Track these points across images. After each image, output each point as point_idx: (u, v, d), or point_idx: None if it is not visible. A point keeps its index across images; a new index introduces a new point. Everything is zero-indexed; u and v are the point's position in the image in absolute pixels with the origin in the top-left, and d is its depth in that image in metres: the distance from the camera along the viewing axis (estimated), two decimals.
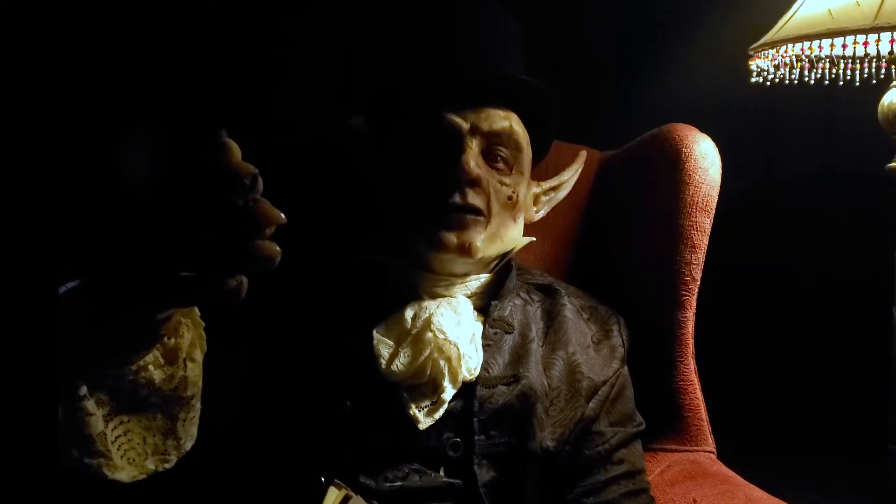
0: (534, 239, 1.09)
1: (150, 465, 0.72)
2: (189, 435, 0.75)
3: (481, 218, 0.99)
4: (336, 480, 0.89)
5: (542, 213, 1.14)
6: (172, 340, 0.71)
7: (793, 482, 1.36)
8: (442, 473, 0.97)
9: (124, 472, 0.70)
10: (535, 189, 1.12)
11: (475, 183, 0.98)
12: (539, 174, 1.15)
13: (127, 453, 0.70)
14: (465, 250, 0.98)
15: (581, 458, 1.04)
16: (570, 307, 1.11)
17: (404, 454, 0.96)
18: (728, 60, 1.82)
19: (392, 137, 1.04)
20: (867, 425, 1.86)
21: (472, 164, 0.98)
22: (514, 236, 1.05)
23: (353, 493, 0.89)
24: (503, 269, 1.08)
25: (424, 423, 0.96)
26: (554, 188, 1.16)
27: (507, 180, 1.02)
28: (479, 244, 0.99)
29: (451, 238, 0.97)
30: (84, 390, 0.67)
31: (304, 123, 1.35)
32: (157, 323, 0.68)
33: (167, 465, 0.73)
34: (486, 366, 1.01)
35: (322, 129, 1.26)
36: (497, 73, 1.03)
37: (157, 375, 0.71)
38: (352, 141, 1.11)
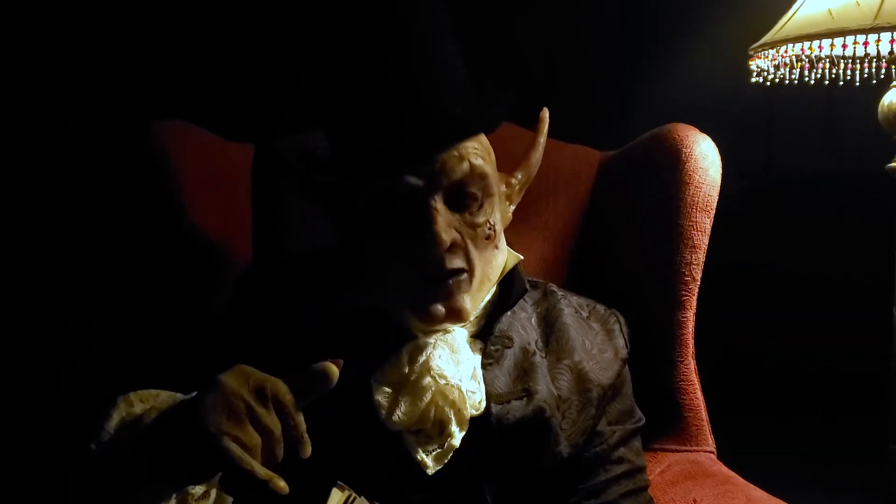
0: (521, 258, 1.05)
1: None
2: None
3: (464, 276, 0.94)
4: (339, 482, 0.89)
5: (515, 203, 1.07)
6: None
7: (793, 482, 1.36)
8: (450, 492, 0.96)
9: None
10: (506, 189, 1.05)
11: (452, 247, 0.93)
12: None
13: None
14: (456, 315, 0.94)
15: (581, 458, 1.03)
16: (568, 310, 1.08)
17: (411, 474, 0.95)
18: (728, 60, 1.82)
19: (352, 191, 0.96)
20: (867, 425, 1.86)
21: (444, 234, 0.91)
22: (499, 264, 1.00)
23: (356, 495, 0.89)
24: (509, 288, 1.04)
25: (433, 467, 0.95)
26: (525, 178, 1.07)
27: (479, 219, 0.96)
28: (467, 306, 0.94)
29: (439, 309, 0.93)
30: None
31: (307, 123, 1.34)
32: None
33: None
34: (490, 383, 0.99)
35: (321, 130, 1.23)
36: (443, 121, 0.93)
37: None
38: (311, 174, 1.02)
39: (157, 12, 1.76)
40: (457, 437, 0.95)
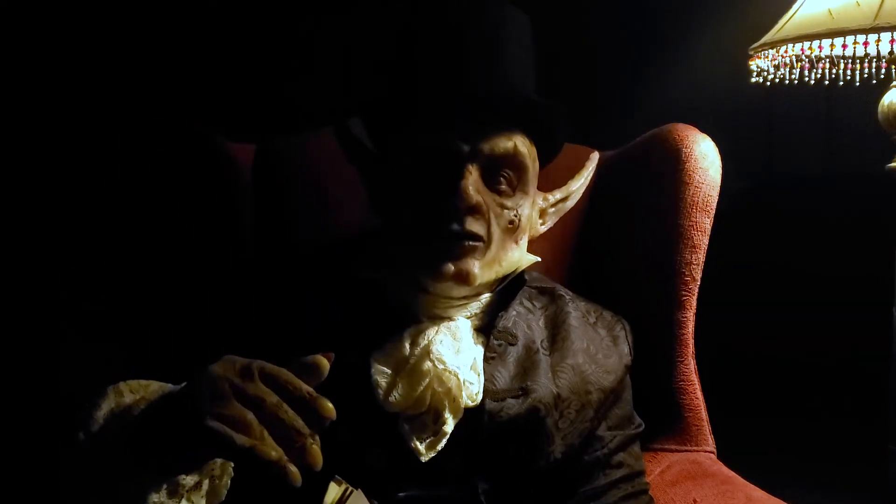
0: (538, 259, 1.07)
1: None
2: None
3: (480, 244, 0.96)
4: (336, 476, 0.89)
5: (548, 226, 1.11)
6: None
7: (793, 482, 1.36)
8: (444, 487, 0.96)
9: None
10: (542, 203, 1.09)
11: (474, 210, 0.95)
12: (543, 175, 1.13)
13: None
14: (463, 278, 0.95)
15: (581, 462, 1.04)
16: (575, 314, 1.09)
17: (405, 469, 0.96)
18: (728, 60, 1.82)
19: (391, 150, 1.01)
20: (867, 425, 1.86)
21: (472, 190, 0.94)
22: (515, 259, 1.01)
23: (353, 488, 0.89)
24: (512, 283, 1.05)
25: (426, 455, 0.95)
26: (563, 199, 1.12)
27: (508, 203, 0.99)
28: (476, 271, 0.96)
29: (449, 267, 0.94)
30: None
31: (307, 123, 1.34)
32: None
33: None
34: (490, 378, 0.99)
35: (321, 130, 1.24)
36: (503, 93, 0.99)
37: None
38: (350, 146, 1.08)
39: (157, 12, 1.76)
40: (449, 423, 0.96)
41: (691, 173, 1.23)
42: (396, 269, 0.99)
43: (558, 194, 1.11)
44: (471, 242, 0.95)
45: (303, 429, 0.71)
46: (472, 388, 0.97)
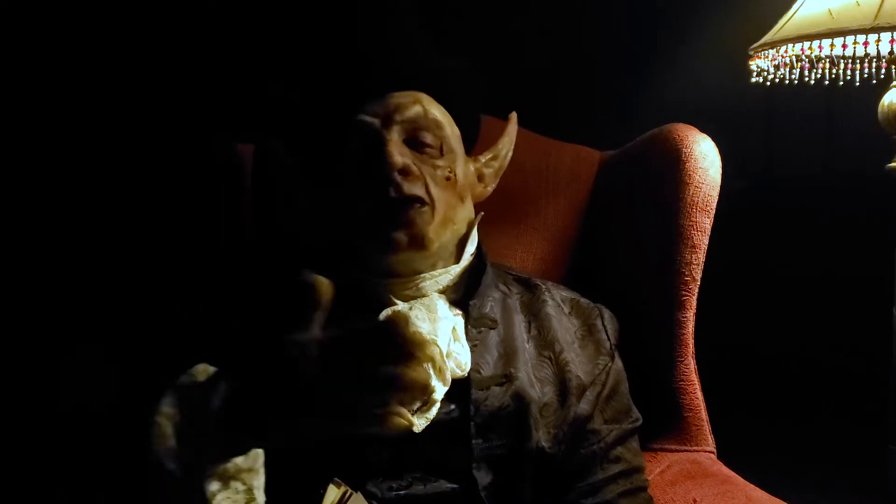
0: (482, 213, 1.08)
1: None
2: (262, 496, 0.83)
3: (425, 207, 0.98)
4: (335, 479, 0.89)
5: (492, 187, 1.12)
6: None
7: (793, 482, 1.35)
8: (444, 481, 0.96)
9: None
10: (475, 165, 1.10)
11: (405, 172, 0.96)
12: (543, 176, 1.13)
13: None
14: (419, 243, 0.97)
15: (577, 457, 1.03)
16: (552, 302, 1.09)
17: (406, 463, 0.96)
18: (728, 60, 1.82)
19: (311, 153, 1.02)
20: (867, 425, 1.86)
21: (396, 153, 0.96)
22: (464, 217, 1.03)
23: (352, 491, 0.89)
24: (476, 266, 1.06)
25: (419, 425, 0.94)
26: (493, 158, 1.13)
27: (439, 162, 1.01)
28: (431, 235, 0.97)
29: (401, 236, 0.96)
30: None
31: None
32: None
33: None
34: (476, 367, 1.00)
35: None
36: (398, 60, 1.01)
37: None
38: (277, 169, 1.10)
39: (157, 11, 1.76)
40: (439, 391, 0.95)
41: (691, 173, 1.24)
42: (360, 261, 1.00)
43: (487, 154, 1.13)
44: (416, 206, 0.97)
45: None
46: (459, 357, 0.98)
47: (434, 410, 0.95)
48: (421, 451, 0.96)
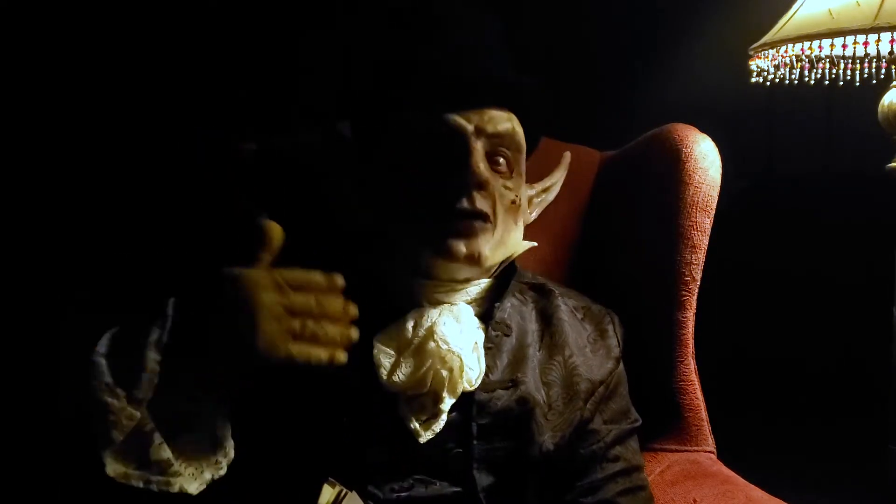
0: (535, 244, 1.08)
1: (208, 475, 0.82)
2: (230, 444, 0.84)
3: (488, 224, 0.97)
4: (330, 478, 0.89)
5: (534, 215, 1.13)
6: None
7: (793, 482, 1.35)
8: (445, 483, 0.96)
9: (191, 485, 0.80)
10: (529, 192, 1.10)
11: (483, 186, 0.96)
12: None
13: (188, 468, 0.80)
14: (475, 260, 0.96)
15: (577, 457, 1.04)
16: (565, 308, 1.10)
17: (407, 465, 0.96)
18: (728, 60, 1.82)
19: (383, 141, 1.01)
20: (867, 425, 1.86)
21: (482, 166, 0.96)
22: (516, 240, 1.03)
23: (347, 490, 0.89)
24: (505, 271, 1.06)
25: (424, 436, 0.95)
26: (545, 189, 1.14)
27: (509, 184, 1.00)
28: (487, 253, 0.97)
29: (461, 247, 0.95)
30: (151, 425, 0.78)
31: (304, 125, 1.34)
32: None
33: (221, 473, 0.83)
34: (487, 370, 1.00)
35: (310, 133, 1.24)
36: (497, 75, 1.01)
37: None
38: (337, 149, 1.08)
39: (158, 11, 1.76)
40: (446, 403, 0.96)
41: (691, 173, 1.23)
42: (397, 255, 0.99)
43: (543, 183, 1.14)
44: (480, 222, 0.96)
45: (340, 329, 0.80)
46: (471, 374, 0.98)
47: (441, 423, 0.96)
48: (422, 453, 0.96)
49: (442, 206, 0.95)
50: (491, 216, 0.97)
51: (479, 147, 0.97)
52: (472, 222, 0.95)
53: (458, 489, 0.97)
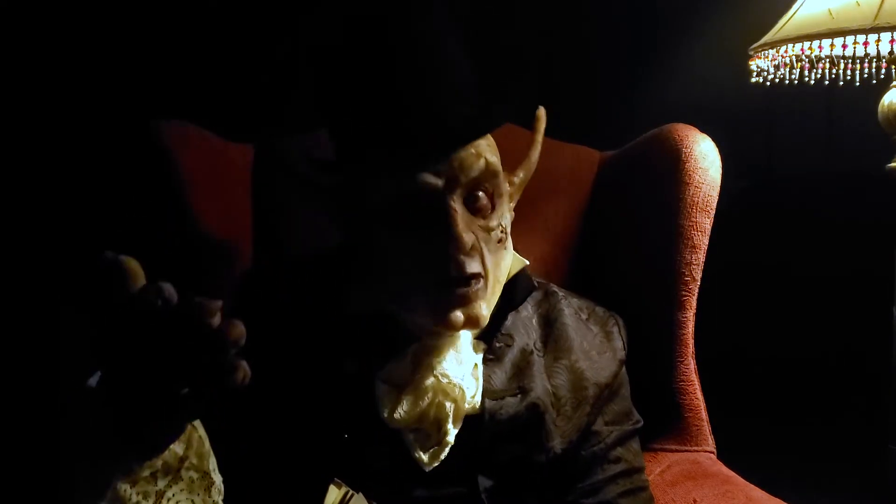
0: (526, 262, 1.05)
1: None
2: (219, 477, 0.74)
3: (482, 283, 0.93)
4: (336, 479, 0.89)
5: (515, 202, 1.06)
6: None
7: (793, 482, 1.35)
8: (447, 486, 0.97)
9: None
10: (508, 188, 1.03)
11: (470, 250, 0.91)
12: (539, 178, 1.10)
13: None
14: (473, 322, 0.92)
15: (578, 458, 1.04)
16: (568, 310, 1.09)
17: (407, 467, 0.96)
18: (728, 60, 1.82)
19: (364, 190, 0.94)
20: (867, 425, 1.86)
21: (465, 236, 0.89)
22: (507, 265, 0.99)
23: (353, 492, 0.89)
24: (513, 290, 1.03)
25: (430, 465, 0.95)
26: (523, 168, 1.06)
27: (492, 222, 0.94)
28: (484, 312, 0.93)
29: (459, 316, 0.91)
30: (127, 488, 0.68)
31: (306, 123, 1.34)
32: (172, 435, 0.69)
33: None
34: (487, 379, 0.99)
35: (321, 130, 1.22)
36: (458, 121, 0.91)
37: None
38: (322, 181, 1.01)
39: (157, 10, 1.76)
40: (451, 433, 0.96)
41: (691, 173, 1.23)
42: (398, 303, 0.95)
43: (521, 173, 1.05)
44: (473, 283, 0.91)
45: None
46: (468, 393, 0.97)
47: (446, 451, 0.96)
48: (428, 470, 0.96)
49: (434, 273, 0.90)
50: (482, 272, 0.93)
51: (457, 203, 0.91)
52: (466, 289, 0.91)
53: (460, 490, 0.97)
